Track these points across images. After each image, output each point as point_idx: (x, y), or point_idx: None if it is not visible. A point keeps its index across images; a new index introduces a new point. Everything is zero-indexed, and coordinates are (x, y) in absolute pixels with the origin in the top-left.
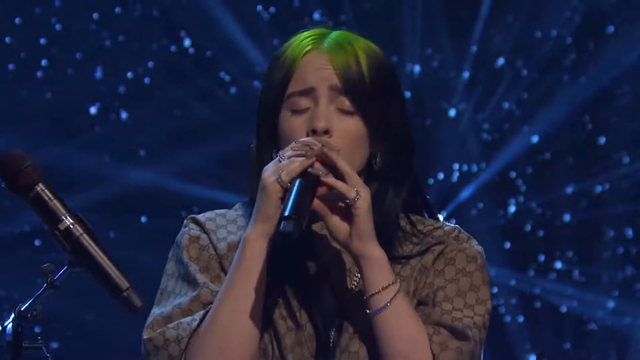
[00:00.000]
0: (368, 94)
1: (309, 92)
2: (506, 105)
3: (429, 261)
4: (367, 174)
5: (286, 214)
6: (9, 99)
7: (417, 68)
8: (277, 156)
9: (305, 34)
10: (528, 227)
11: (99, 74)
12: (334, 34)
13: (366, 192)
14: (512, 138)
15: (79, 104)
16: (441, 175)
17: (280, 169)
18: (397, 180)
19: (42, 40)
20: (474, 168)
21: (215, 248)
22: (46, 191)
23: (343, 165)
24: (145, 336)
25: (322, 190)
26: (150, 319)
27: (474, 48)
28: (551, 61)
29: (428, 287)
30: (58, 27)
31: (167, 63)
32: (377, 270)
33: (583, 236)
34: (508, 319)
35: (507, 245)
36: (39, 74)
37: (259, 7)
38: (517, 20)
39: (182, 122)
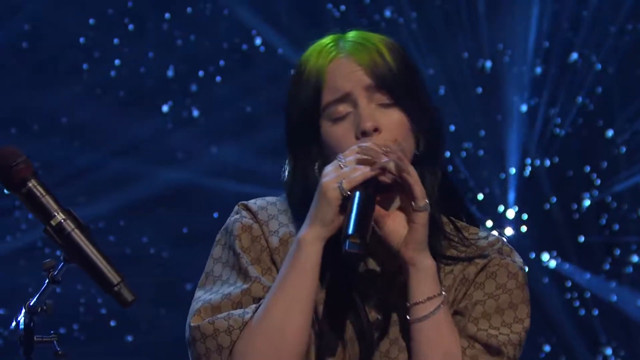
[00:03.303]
0: (400, 84)
1: (346, 97)
2: (579, 99)
3: (471, 273)
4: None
5: (350, 232)
6: (83, 98)
7: (488, 63)
8: (337, 160)
9: (321, 43)
10: (603, 221)
11: (170, 72)
12: (350, 36)
13: (428, 204)
14: (586, 132)
15: (151, 103)
16: (513, 170)
17: (342, 176)
18: (433, 164)
19: (116, 40)
20: (547, 162)
21: (267, 240)
22: (38, 187)
23: (413, 174)
24: (192, 323)
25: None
26: (197, 305)
27: (546, 43)
28: (626, 55)
29: (467, 298)
30: (131, 27)
31: (238, 61)
32: (425, 280)
33: None
34: (583, 312)
35: (582, 239)
36: (113, 73)
37: (329, 5)
38: (591, 15)
39: (254, 120)
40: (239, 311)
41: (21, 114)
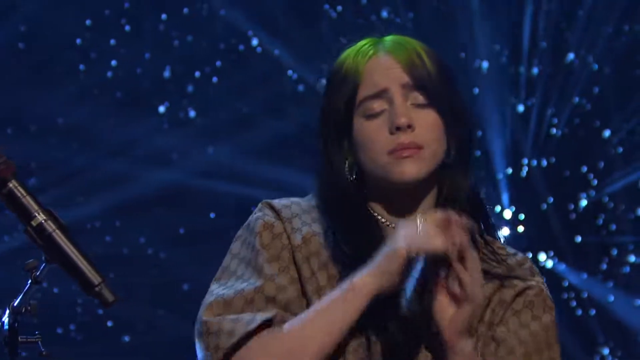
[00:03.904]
0: (437, 86)
1: (382, 94)
2: (576, 100)
3: (507, 296)
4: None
5: (408, 295)
6: (80, 98)
7: (485, 64)
8: (418, 220)
9: (359, 44)
10: (600, 222)
11: (167, 73)
12: (389, 38)
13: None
14: (583, 133)
15: (148, 103)
16: (510, 170)
17: (415, 240)
18: (464, 170)
19: (112, 41)
20: (544, 163)
21: (289, 237)
22: (19, 188)
23: (476, 264)
24: (203, 317)
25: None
26: (210, 298)
27: (543, 43)
28: (623, 55)
29: (503, 324)
30: (127, 28)
31: (235, 62)
32: None
33: None
34: (580, 312)
35: (578, 239)
36: (109, 74)
37: (326, 6)
38: (588, 15)
39: (250, 121)
40: (248, 317)
41: (18, 114)
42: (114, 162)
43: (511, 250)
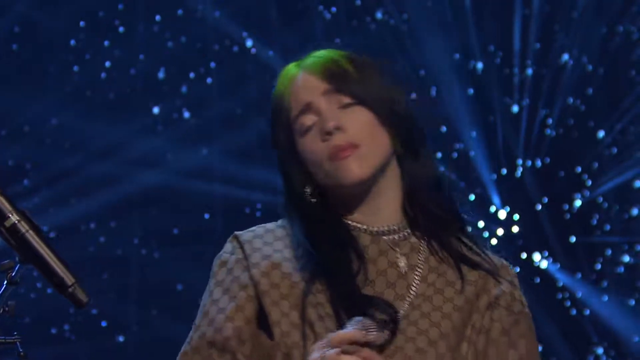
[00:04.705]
0: (359, 83)
1: (308, 108)
2: (570, 100)
3: (493, 296)
4: (396, 159)
5: None
6: (74, 99)
7: (479, 65)
8: (326, 344)
9: (285, 69)
10: (594, 222)
11: (161, 74)
12: (309, 55)
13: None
14: (577, 133)
15: (142, 104)
16: (505, 171)
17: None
18: (415, 162)
19: (106, 42)
20: (538, 163)
21: (249, 272)
22: None
23: None
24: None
25: None
26: (190, 339)
27: (537, 45)
28: (617, 57)
29: (496, 328)
30: (121, 29)
31: (230, 63)
32: None
33: None
34: (574, 312)
35: (573, 239)
36: (103, 75)
37: (320, 7)
38: (582, 16)
39: (244, 122)
40: None
41: (11, 115)
42: (107, 162)
43: (488, 251)
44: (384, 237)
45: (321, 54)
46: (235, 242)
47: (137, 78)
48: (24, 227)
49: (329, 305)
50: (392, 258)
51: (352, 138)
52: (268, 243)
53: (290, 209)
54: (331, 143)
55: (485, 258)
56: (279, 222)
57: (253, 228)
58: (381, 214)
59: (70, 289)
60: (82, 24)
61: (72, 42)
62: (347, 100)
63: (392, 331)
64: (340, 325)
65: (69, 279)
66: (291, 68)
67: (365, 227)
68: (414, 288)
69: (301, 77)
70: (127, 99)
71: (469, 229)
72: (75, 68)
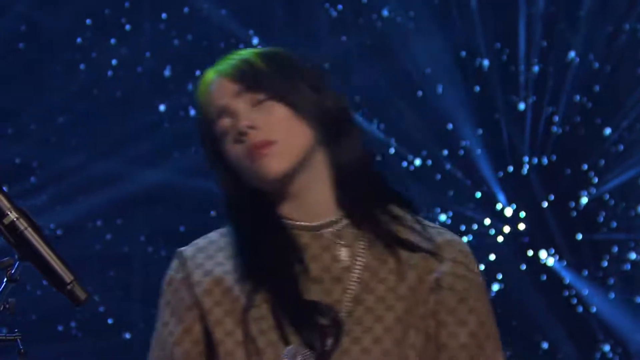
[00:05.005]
0: (271, 78)
1: (222, 111)
2: (577, 98)
3: (440, 278)
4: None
5: None
6: (79, 97)
7: (485, 62)
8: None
9: (204, 75)
10: (601, 219)
11: (167, 72)
12: (223, 59)
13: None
14: (584, 130)
15: (149, 102)
16: (511, 169)
17: None
18: (341, 147)
19: (112, 40)
20: (545, 161)
21: (193, 289)
22: None
23: None
24: None
25: None
26: None
27: (544, 42)
28: (624, 54)
29: (442, 327)
30: (128, 27)
31: None
32: None
33: None
34: (580, 310)
35: (579, 237)
36: (109, 73)
37: (327, 5)
38: (588, 13)
39: None
40: None
41: (18, 113)
42: (114, 160)
43: (435, 225)
44: (324, 231)
45: (235, 55)
46: (179, 259)
47: (143, 76)
48: (22, 224)
49: (271, 318)
50: (335, 252)
51: (267, 135)
52: (210, 256)
53: (228, 214)
54: (247, 143)
55: (427, 236)
56: (224, 229)
57: (197, 240)
58: (316, 207)
59: (68, 286)
60: (88, 22)
61: (79, 40)
62: (260, 97)
63: (335, 336)
64: (285, 338)
65: (67, 276)
66: (209, 74)
67: (303, 223)
68: (355, 280)
69: (216, 82)
70: (133, 97)
71: (409, 205)
72: (82, 66)
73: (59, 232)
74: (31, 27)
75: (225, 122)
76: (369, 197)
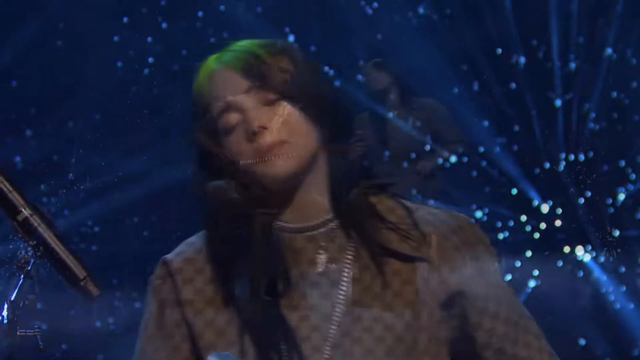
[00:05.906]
0: (282, 79)
1: (230, 106)
2: (614, 94)
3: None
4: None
5: None
6: (118, 94)
7: (522, 59)
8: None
9: (205, 64)
10: (638, 215)
11: None
12: (228, 49)
13: None
14: (621, 127)
15: (185, 99)
16: (547, 165)
17: None
18: (342, 157)
19: (149, 39)
20: (581, 157)
21: (181, 305)
22: (5, 183)
23: None
24: None
25: None
26: None
27: (581, 38)
28: None
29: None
30: (164, 25)
31: None
32: None
33: None
34: (618, 306)
35: (616, 233)
36: (146, 70)
37: (362, 2)
38: (625, 10)
39: None
40: None
41: (56, 111)
42: (150, 157)
43: (423, 207)
44: (315, 233)
45: (241, 47)
46: (165, 270)
47: (179, 74)
48: (36, 220)
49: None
50: (313, 255)
51: (278, 136)
52: (199, 270)
53: (209, 216)
54: (258, 143)
55: (410, 235)
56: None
57: (184, 249)
58: (309, 209)
59: (82, 283)
60: (125, 20)
61: (116, 38)
62: (271, 96)
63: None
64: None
65: (80, 272)
66: (210, 62)
67: (295, 225)
68: (343, 289)
69: (222, 74)
70: (169, 95)
71: (394, 199)
72: (119, 64)
73: (96, 228)
74: (69, 25)
75: (232, 117)
76: (356, 198)
